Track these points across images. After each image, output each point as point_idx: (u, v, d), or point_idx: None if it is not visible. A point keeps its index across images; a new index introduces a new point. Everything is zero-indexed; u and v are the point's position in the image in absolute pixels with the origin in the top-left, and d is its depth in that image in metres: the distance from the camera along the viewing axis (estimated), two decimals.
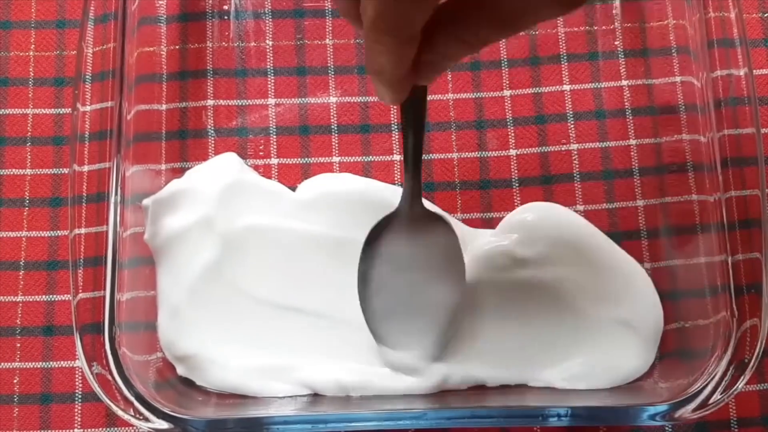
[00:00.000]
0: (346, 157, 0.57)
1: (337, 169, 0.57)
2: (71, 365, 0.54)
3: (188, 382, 0.53)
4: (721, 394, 0.47)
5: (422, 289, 0.51)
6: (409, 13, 0.38)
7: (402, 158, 0.56)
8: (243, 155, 0.57)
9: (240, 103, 0.58)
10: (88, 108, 0.51)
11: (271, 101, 0.58)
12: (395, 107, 0.57)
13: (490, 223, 0.56)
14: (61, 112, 0.58)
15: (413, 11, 0.38)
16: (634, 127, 0.56)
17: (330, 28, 0.58)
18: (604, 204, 0.55)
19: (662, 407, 0.47)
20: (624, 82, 0.57)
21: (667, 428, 0.53)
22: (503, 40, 0.58)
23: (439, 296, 0.51)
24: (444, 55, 0.42)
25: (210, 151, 0.57)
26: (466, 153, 0.57)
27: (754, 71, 0.51)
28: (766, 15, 0.58)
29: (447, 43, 0.41)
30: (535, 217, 0.55)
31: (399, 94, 0.44)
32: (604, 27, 0.58)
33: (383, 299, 0.51)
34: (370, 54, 0.41)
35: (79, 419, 0.54)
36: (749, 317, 0.48)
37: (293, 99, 0.58)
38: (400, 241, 0.51)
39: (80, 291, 0.49)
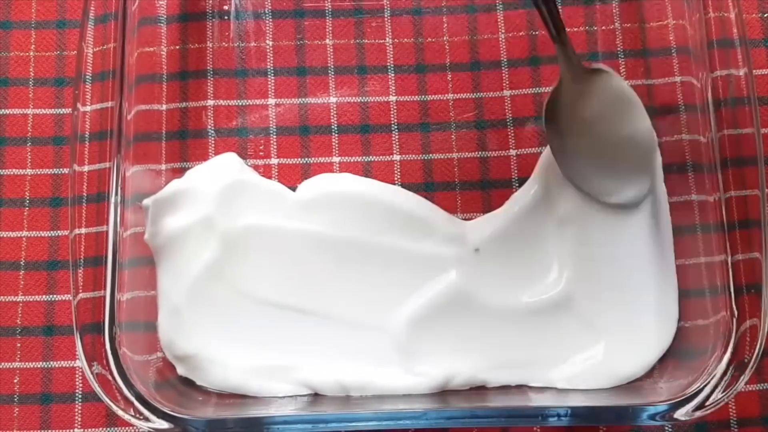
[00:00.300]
0: (346, 157, 0.57)
1: (337, 169, 0.57)
2: (71, 365, 0.55)
3: (188, 382, 0.53)
4: (720, 393, 0.47)
5: (616, 137, 0.53)
6: None
7: (401, 158, 0.57)
8: (243, 155, 0.57)
9: (240, 103, 0.58)
10: (88, 108, 0.51)
11: (271, 101, 0.58)
12: (396, 105, 0.57)
13: None
14: (61, 112, 0.58)
15: None
16: None
17: (330, 28, 0.58)
18: None
19: (662, 407, 0.47)
20: None
21: (666, 428, 0.53)
22: (503, 40, 0.58)
23: (633, 134, 0.53)
24: None
25: (210, 151, 0.57)
26: (466, 153, 0.57)
27: (754, 71, 0.51)
28: (765, 15, 0.58)
29: None
30: None
31: None
32: (603, 27, 0.58)
33: (586, 162, 0.53)
34: None
35: (80, 419, 0.54)
36: (749, 317, 0.48)
37: (293, 99, 0.58)
38: (576, 107, 0.53)
39: (80, 291, 0.49)
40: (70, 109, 0.57)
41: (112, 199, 0.50)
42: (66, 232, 0.56)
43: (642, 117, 0.53)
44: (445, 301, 0.53)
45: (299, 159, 0.57)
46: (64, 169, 0.57)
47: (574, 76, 0.52)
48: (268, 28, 0.59)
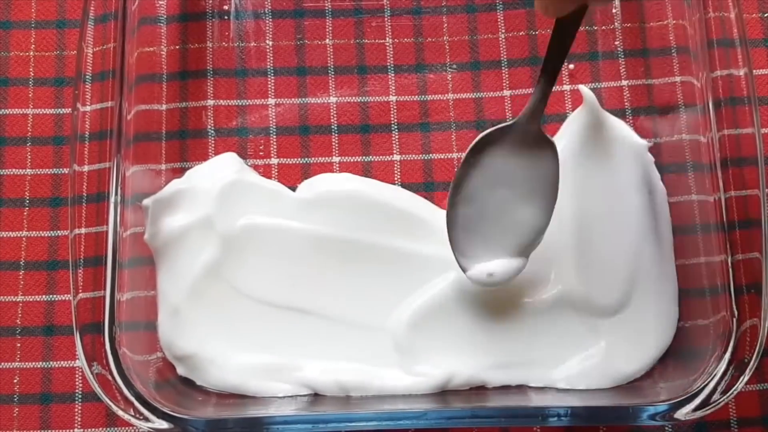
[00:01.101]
0: (346, 157, 0.57)
1: (337, 169, 0.57)
2: (71, 365, 0.55)
3: (188, 382, 0.53)
4: (720, 394, 0.47)
5: (513, 206, 0.51)
6: None
7: (401, 158, 0.57)
8: (243, 155, 0.57)
9: (240, 103, 0.58)
10: (88, 108, 0.51)
11: (271, 101, 0.58)
12: (396, 105, 0.57)
13: None
14: (61, 112, 0.58)
15: None
16: (633, 128, 0.56)
17: (330, 28, 0.58)
18: None
19: (662, 407, 0.47)
20: (624, 82, 0.57)
21: (666, 428, 0.53)
22: (503, 40, 0.58)
23: (528, 217, 0.51)
24: None
25: (210, 151, 0.57)
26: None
27: (754, 71, 0.51)
28: (765, 15, 0.58)
29: None
30: None
31: (566, 6, 0.45)
32: (603, 27, 0.58)
33: (472, 208, 0.51)
34: None
35: (79, 419, 0.54)
36: (749, 317, 0.48)
37: (293, 99, 0.58)
38: (506, 154, 0.51)
39: (80, 291, 0.49)
40: (70, 109, 0.57)
41: (112, 199, 0.50)
42: (66, 232, 0.56)
43: (547, 212, 0.51)
44: (445, 301, 0.53)
45: (299, 159, 0.57)
46: (64, 169, 0.57)
47: (527, 128, 0.50)
48: (268, 28, 0.59)
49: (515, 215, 0.51)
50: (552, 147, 0.51)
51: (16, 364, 0.55)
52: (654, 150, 0.55)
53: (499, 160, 0.51)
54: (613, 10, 0.58)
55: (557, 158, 0.51)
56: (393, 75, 0.58)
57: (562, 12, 0.46)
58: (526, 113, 0.50)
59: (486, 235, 0.51)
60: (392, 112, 0.57)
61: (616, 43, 0.58)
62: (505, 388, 0.52)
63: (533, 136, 0.50)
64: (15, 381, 0.54)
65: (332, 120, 0.57)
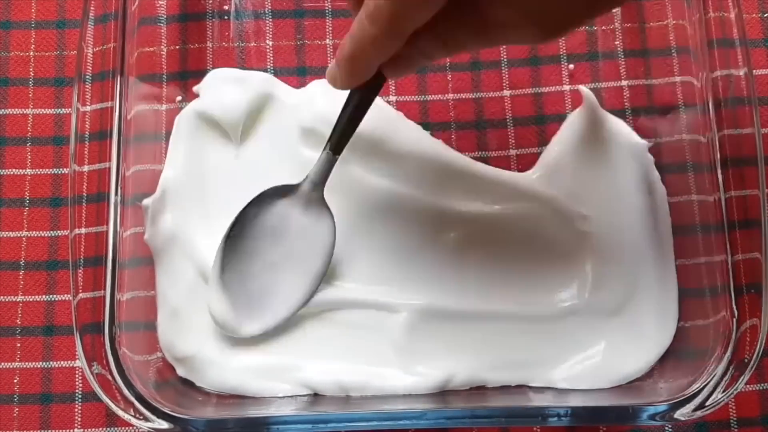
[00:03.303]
0: None
1: None
2: (71, 365, 0.55)
3: (188, 382, 0.53)
4: (720, 394, 0.47)
5: (284, 272, 0.52)
6: (415, 13, 0.39)
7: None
8: None
9: None
10: (88, 108, 0.51)
11: None
12: (396, 105, 0.57)
13: None
14: (61, 112, 0.58)
15: (420, 12, 0.39)
16: (633, 128, 0.56)
17: (330, 28, 0.58)
18: None
19: (662, 407, 0.47)
20: (624, 83, 0.57)
21: (666, 428, 0.53)
22: None
23: (287, 285, 0.52)
24: (421, 52, 0.44)
25: None
26: (466, 153, 0.57)
27: (754, 71, 0.51)
28: (765, 15, 0.58)
29: (427, 40, 0.43)
30: None
31: (357, 81, 0.45)
32: (603, 27, 0.58)
33: (246, 264, 0.52)
34: (357, 40, 0.42)
35: (79, 419, 0.54)
36: (749, 317, 0.48)
37: None
38: (283, 215, 0.52)
39: (80, 291, 0.49)
40: (69, 109, 0.57)
41: (112, 199, 0.50)
42: (66, 232, 0.56)
43: (311, 287, 0.52)
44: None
45: None
46: (64, 169, 0.57)
47: (311, 195, 0.51)
48: (268, 28, 0.59)
49: (277, 279, 0.52)
50: (330, 219, 0.52)
51: (16, 364, 0.55)
52: (654, 150, 0.55)
53: (275, 218, 0.52)
54: (613, 11, 0.58)
55: (334, 231, 0.52)
56: None
57: (353, 86, 0.46)
58: (312, 179, 0.51)
59: (252, 293, 0.52)
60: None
61: (616, 43, 0.58)
62: (505, 388, 0.52)
63: (315, 204, 0.52)
64: (15, 381, 0.54)
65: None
